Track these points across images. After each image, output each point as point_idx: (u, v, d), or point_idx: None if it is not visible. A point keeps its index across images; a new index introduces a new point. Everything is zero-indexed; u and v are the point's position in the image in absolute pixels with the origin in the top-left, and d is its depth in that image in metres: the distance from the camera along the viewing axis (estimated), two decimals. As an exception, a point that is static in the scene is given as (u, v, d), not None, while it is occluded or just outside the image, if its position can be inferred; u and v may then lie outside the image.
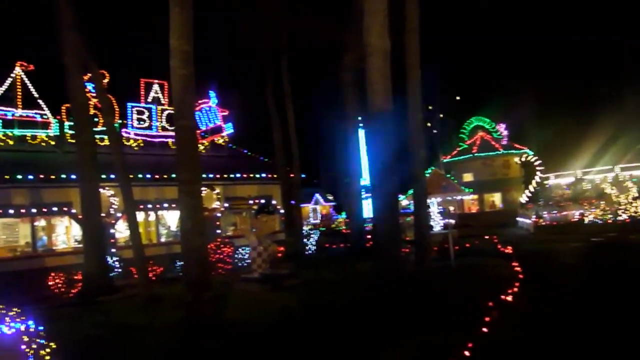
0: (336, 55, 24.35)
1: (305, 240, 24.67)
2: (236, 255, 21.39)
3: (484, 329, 8.52)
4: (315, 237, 25.96)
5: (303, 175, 26.24)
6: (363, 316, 10.43)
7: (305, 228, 26.80)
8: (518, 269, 14.95)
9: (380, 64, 13.01)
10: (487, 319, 9.11)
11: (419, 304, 11.03)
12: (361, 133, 30.67)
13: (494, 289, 11.92)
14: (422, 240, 17.48)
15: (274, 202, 25.33)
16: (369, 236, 24.25)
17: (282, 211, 25.60)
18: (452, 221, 24.99)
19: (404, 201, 33.57)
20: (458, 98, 47.07)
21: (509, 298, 11.12)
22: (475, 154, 43.10)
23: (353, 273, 17.22)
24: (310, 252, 24.65)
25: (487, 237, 24.11)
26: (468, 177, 43.45)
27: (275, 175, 25.68)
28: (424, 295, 11.92)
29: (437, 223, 26.30)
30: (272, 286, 15.13)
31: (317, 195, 49.13)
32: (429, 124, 40.31)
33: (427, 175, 21.71)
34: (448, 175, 30.33)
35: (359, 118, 26.51)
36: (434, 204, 25.67)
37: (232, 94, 28.90)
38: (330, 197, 51.26)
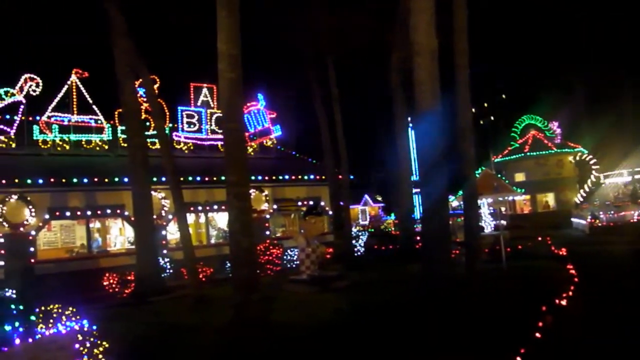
0: (384, 56, 24.19)
1: (353, 241, 24.56)
2: (285, 257, 21.48)
3: (537, 334, 8.28)
4: (364, 239, 25.83)
5: (351, 177, 26.12)
6: (411, 320, 10.30)
7: (354, 229, 26.66)
8: (573, 272, 14.49)
9: (428, 63, 12.83)
10: (540, 323, 8.84)
11: (468, 307, 10.82)
12: (411, 133, 30.40)
13: (547, 292, 11.55)
14: (473, 242, 17.14)
15: (322, 203, 25.35)
16: (419, 237, 24.02)
17: (330, 212, 25.59)
18: (504, 222, 24.50)
19: (454, 202, 33.07)
20: (504, 97, 45.99)
21: (564, 302, 10.77)
22: (528, 153, 42.10)
23: (402, 275, 17.06)
24: (359, 253, 24.54)
25: (540, 238, 23.49)
26: (520, 177, 42.50)
27: (323, 177, 25.69)
28: (474, 299, 11.69)
29: (488, 224, 25.81)
30: (320, 288, 15.13)
31: (366, 197, 48.87)
32: (482, 122, 39.57)
33: (478, 175, 21.32)
34: (499, 175, 29.78)
35: (409, 118, 26.25)
36: (484, 205, 25.22)
37: (280, 96, 29.08)
38: (379, 198, 50.95)
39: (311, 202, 24.46)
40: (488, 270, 16.41)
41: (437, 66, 13.04)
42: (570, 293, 11.62)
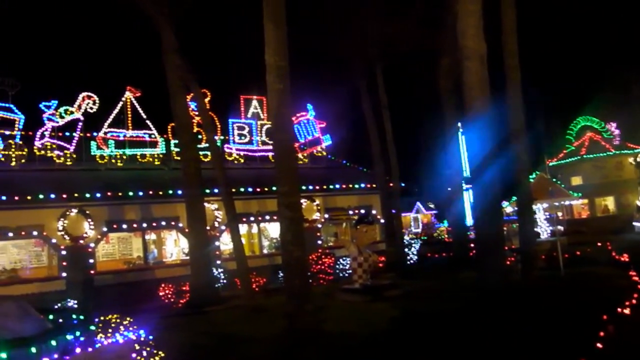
0: (433, 61, 24.00)
1: (406, 249, 24.34)
2: (337, 266, 21.44)
3: (598, 345, 7.98)
4: (416, 247, 25.55)
5: (403, 184, 25.96)
6: (466, 330, 10.11)
7: (406, 237, 26.43)
8: (636, 278, 13.95)
9: (477, 67, 12.66)
10: (601, 333, 8.53)
11: (525, 316, 10.54)
12: (461, 138, 30.00)
13: (609, 300, 11.10)
14: (528, 249, 16.75)
15: (374, 212, 25.24)
16: (472, 245, 23.62)
17: (382, 221, 25.45)
18: (561, 228, 23.84)
19: (508, 208, 32.38)
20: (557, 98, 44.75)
21: (627, 311, 10.36)
22: (584, 156, 40.80)
23: (456, 283, 16.79)
24: (411, 262, 24.30)
25: (599, 244, 22.74)
26: (577, 180, 41.24)
27: (374, 185, 25.59)
28: (531, 307, 11.39)
29: (544, 230, 25.15)
30: (373, 297, 15.03)
31: (418, 204, 48.43)
32: (535, 125, 38.65)
33: (532, 180, 20.84)
34: (554, 180, 28.99)
35: (459, 124, 25.95)
36: (540, 210, 24.59)
37: (329, 106, 29.15)
38: (432, 206, 50.37)
39: (362, 211, 24.38)
40: (545, 277, 15.96)
41: (487, 69, 12.86)
42: (634, 301, 11.16)
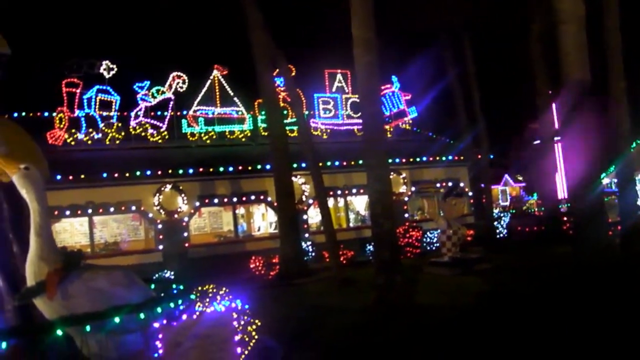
0: (523, 26, 23.04)
1: (495, 223, 23.81)
2: (425, 239, 21.28)
3: None
4: (505, 220, 24.93)
5: (491, 156, 25.29)
6: (559, 308, 9.77)
7: (495, 211, 25.81)
8: None
9: (574, 32, 12.00)
10: None
11: (626, 294, 10.05)
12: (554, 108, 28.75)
13: None
14: (629, 222, 15.89)
15: (462, 184, 24.77)
16: (565, 218, 22.75)
17: (470, 194, 24.96)
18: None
19: (605, 179, 30.86)
20: None
21: None
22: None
23: (548, 258, 16.26)
24: (500, 235, 23.75)
25: None
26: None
27: (462, 157, 25.06)
28: (632, 285, 10.83)
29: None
30: (462, 270, 14.86)
31: (507, 176, 47.12)
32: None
33: (633, 149, 19.71)
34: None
35: (549, 92, 24.86)
36: (641, 181, 23.27)
37: (415, 77, 28.66)
38: (520, 178, 48.87)
39: (450, 184, 23.95)
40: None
41: (585, 34, 12.18)
42: None
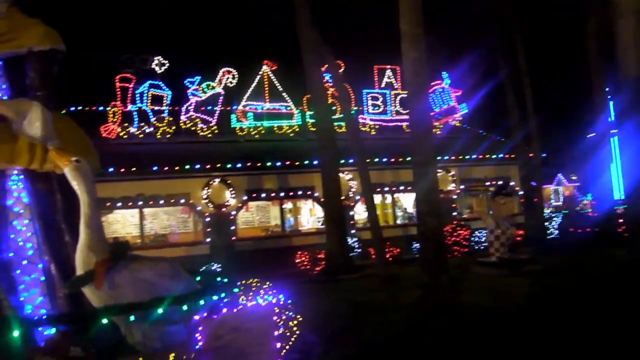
0: (579, 22, 22.39)
1: (546, 223, 23.22)
2: (472, 238, 20.96)
3: None
4: (557, 221, 24.30)
5: (544, 155, 24.67)
6: (613, 312, 9.41)
7: (546, 211, 25.17)
8: None
9: (633, 25, 11.58)
10: None
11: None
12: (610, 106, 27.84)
13: None
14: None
15: (512, 183, 24.29)
16: (620, 220, 22.01)
17: (520, 193, 24.44)
18: None
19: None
20: None
21: None
22: None
23: (602, 261, 15.73)
24: (552, 236, 23.15)
25: None
26: None
27: (513, 156, 24.52)
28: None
29: None
30: (510, 271, 14.55)
31: (559, 176, 45.85)
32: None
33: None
34: None
35: (606, 89, 24.06)
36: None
37: (465, 73, 28.23)
38: (574, 178, 47.50)
39: (500, 182, 23.50)
40: None
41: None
42: None
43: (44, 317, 6.46)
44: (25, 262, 7.01)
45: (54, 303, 7.00)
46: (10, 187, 7.15)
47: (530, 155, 23.38)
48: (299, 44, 17.86)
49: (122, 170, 18.22)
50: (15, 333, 5.18)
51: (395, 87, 25.79)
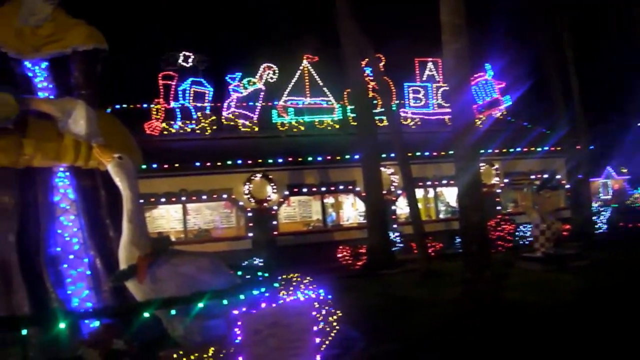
0: (629, 8, 21.69)
1: (594, 218, 22.60)
2: (517, 233, 20.57)
3: None
4: (606, 215, 23.61)
5: (591, 147, 24.01)
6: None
7: (594, 205, 24.48)
8: None
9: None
10: None
11: None
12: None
13: None
14: None
15: (558, 176, 23.72)
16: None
17: (567, 186, 23.86)
18: None
19: None
20: None
21: None
22: None
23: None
24: (600, 231, 22.52)
25: None
26: None
27: (559, 148, 23.94)
28: None
29: None
30: (556, 266, 14.23)
31: (609, 169, 44.61)
32: None
33: None
34: None
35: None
36: None
37: (509, 65, 27.66)
38: (624, 170, 46.12)
39: (545, 176, 22.99)
40: None
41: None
42: None
43: (89, 310, 6.63)
44: (71, 256, 7.21)
45: (100, 296, 7.18)
46: (57, 184, 7.35)
47: (578, 147, 22.78)
48: (339, 37, 17.79)
49: (166, 166, 18.49)
50: (62, 325, 5.32)
51: (437, 79, 25.47)
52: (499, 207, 22.98)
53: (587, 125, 22.67)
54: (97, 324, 5.69)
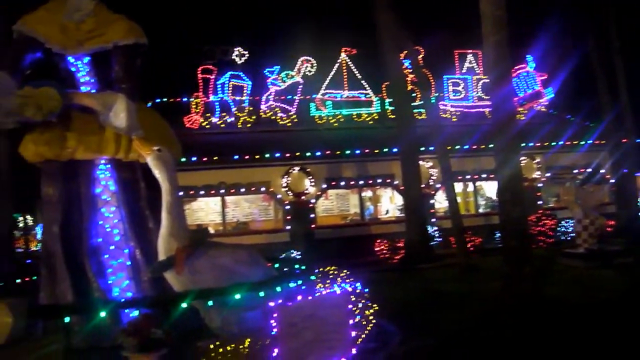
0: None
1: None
2: (559, 228, 20.17)
3: None
4: (654, 210, 22.94)
5: (638, 140, 23.33)
6: None
7: (640, 200, 23.81)
8: None
9: None
10: None
11: None
12: None
13: None
14: None
15: (602, 171, 23.14)
16: None
17: (611, 181, 23.26)
18: None
19: None
20: None
21: None
22: None
23: None
24: (646, 226, 21.88)
25: None
26: None
27: (603, 141, 23.33)
28: None
29: None
30: (599, 263, 13.89)
31: (656, 163, 43.37)
32: None
33: None
34: None
35: None
36: None
37: (552, 56, 27.05)
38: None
39: (589, 170, 22.47)
40: None
41: None
42: None
43: (129, 299, 6.76)
44: (112, 247, 7.37)
45: (139, 286, 7.32)
46: (99, 176, 7.51)
47: (623, 140, 22.16)
48: (378, 30, 17.67)
49: (205, 159, 18.70)
50: (103, 314, 5.44)
51: (477, 72, 25.14)
52: (540, 202, 22.55)
53: (633, 117, 22.02)
54: (136, 313, 5.79)
